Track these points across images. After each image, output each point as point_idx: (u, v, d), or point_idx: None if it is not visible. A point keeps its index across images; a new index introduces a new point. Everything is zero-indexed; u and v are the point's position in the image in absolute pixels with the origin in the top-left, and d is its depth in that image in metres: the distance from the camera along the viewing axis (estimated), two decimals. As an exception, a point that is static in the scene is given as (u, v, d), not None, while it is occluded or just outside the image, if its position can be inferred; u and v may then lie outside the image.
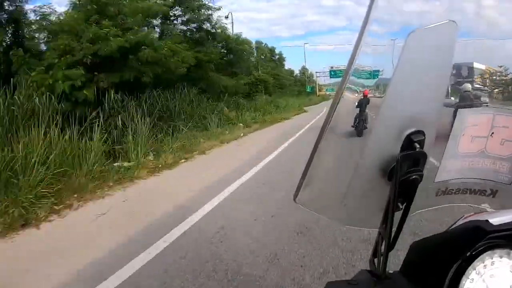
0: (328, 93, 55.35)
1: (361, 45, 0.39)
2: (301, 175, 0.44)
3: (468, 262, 0.38)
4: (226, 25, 15.33)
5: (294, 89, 38.62)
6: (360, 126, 6.60)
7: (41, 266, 2.32)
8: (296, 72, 52.36)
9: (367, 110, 7.05)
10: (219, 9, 13.24)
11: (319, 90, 60.78)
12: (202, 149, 6.86)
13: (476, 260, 0.38)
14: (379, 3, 0.38)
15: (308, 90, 45.78)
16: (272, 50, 41.81)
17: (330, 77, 49.32)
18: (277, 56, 42.91)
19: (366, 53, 0.43)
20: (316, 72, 54.91)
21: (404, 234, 0.47)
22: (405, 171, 0.44)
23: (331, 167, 0.49)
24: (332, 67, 49.05)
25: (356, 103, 6.63)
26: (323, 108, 19.07)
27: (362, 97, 6.68)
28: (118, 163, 5.06)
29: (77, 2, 8.63)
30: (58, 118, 5.04)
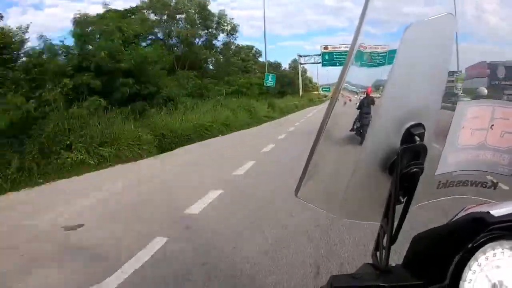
0: (323, 93, 44.45)
1: (356, 46, 0.40)
2: (302, 171, 0.44)
3: (470, 254, 0.38)
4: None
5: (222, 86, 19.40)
6: (364, 131, 5.78)
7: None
8: (285, 66, 39.46)
9: (372, 113, 5.74)
10: None
11: (310, 89, 46.98)
12: None
13: (478, 252, 0.38)
14: (376, 5, 0.39)
15: (268, 83, 23.12)
16: (203, 7, 21.73)
17: (323, 65, 31.98)
18: (215, 21, 22.89)
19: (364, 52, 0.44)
20: (300, 57, 35.65)
21: (405, 227, 0.47)
22: (406, 164, 0.44)
23: (331, 162, 0.50)
24: (326, 48, 31.18)
25: (357, 104, 5.85)
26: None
27: (364, 97, 5.30)
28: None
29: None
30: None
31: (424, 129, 0.44)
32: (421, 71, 0.43)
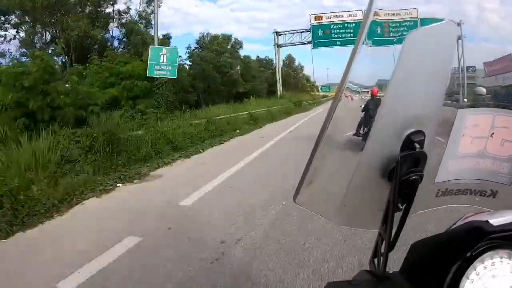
0: (323, 93, 40.03)
1: (360, 45, 0.39)
2: (301, 176, 0.44)
3: (468, 262, 0.38)
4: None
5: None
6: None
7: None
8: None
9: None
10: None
11: (308, 89, 40.36)
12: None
13: (476, 260, 0.38)
14: (379, 4, 0.39)
15: (158, 71, 9.27)
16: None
17: (315, 45, 21.09)
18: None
19: (366, 54, 0.44)
20: (278, 35, 23.74)
21: (404, 234, 0.46)
22: (405, 171, 0.44)
23: (331, 167, 0.50)
24: (318, 19, 20.15)
25: (362, 106, 5.25)
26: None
27: (370, 98, 4.97)
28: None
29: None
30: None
31: (424, 136, 0.44)
32: (422, 78, 0.43)
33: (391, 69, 0.41)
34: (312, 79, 44.37)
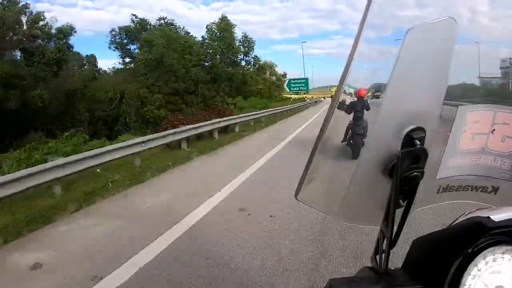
0: (298, 94, 28.65)
1: (358, 48, 0.39)
2: (302, 173, 0.44)
3: (469, 258, 0.38)
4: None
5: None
6: (357, 142, 4.06)
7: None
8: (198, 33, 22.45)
9: (365, 118, 4.71)
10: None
11: (261, 85, 23.73)
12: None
13: (478, 256, 0.38)
14: (371, 8, 0.38)
15: None
16: None
17: None
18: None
19: (363, 57, 0.43)
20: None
21: (405, 231, 0.46)
22: (406, 168, 0.44)
23: (332, 164, 0.49)
24: None
25: (346, 107, 4.69)
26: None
27: (355, 100, 3.57)
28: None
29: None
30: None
31: (425, 133, 0.44)
32: (422, 75, 0.43)
33: (390, 69, 0.41)
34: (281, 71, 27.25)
